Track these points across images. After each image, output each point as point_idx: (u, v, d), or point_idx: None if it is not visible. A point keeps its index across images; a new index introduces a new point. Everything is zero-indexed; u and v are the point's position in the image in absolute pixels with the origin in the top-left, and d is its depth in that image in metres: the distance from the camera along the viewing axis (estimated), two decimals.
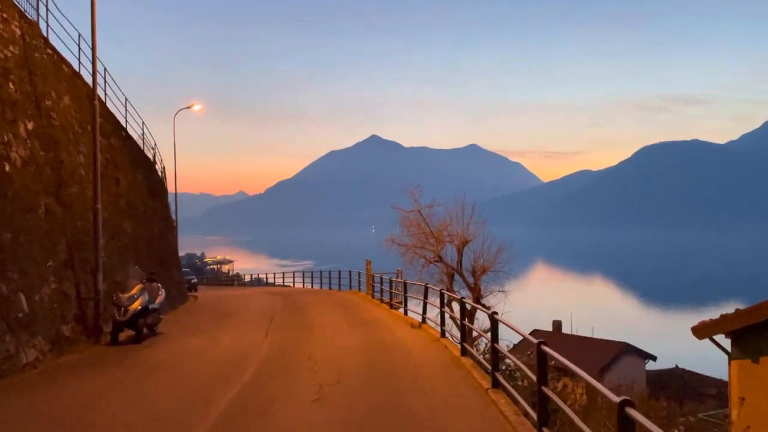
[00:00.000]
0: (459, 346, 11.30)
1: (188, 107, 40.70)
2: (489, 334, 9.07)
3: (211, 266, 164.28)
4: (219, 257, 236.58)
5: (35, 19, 15.51)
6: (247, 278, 76.94)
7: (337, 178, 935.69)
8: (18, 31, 13.99)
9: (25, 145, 13.14)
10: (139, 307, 14.10)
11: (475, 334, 24.60)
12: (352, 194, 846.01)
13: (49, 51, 15.90)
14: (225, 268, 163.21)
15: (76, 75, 17.76)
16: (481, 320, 25.99)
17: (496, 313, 8.38)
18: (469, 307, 11.58)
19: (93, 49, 15.14)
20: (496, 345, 8.11)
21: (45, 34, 15.92)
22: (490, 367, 8.50)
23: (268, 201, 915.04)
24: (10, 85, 12.89)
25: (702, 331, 15.76)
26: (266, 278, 61.95)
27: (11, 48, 13.38)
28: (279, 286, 56.60)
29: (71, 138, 16.15)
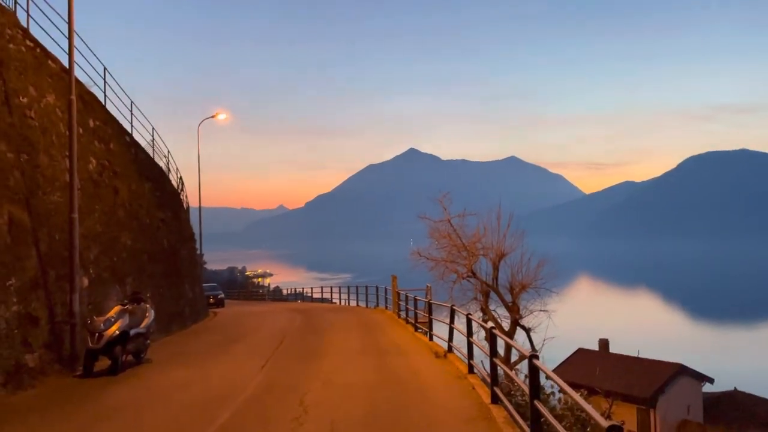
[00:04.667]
0: (489, 389, 8.90)
1: (212, 117, 39.27)
2: (527, 381, 6.72)
3: (252, 280, 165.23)
4: (260, 271, 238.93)
5: (11, 7, 13.83)
6: (285, 292, 75.75)
7: (375, 191, 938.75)
8: None
9: None
10: (117, 332, 12.08)
11: (514, 362, 22.15)
12: (390, 207, 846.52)
13: (30, 43, 14.16)
14: (267, 282, 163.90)
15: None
16: (522, 340, 23.42)
17: (536, 356, 6.01)
18: (501, 337, 9.16)
19: (70, 31, 13.34)
20: (536, 403, 5.75)
21: (25, 25, 14.24)
22: (528, 429, 6.14)
23: (307, 215, 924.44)
24: None
25: None
26: (303, 292, 60.48)
27: None
28: (316, 300, 54.81)
29: (54, 141, 14.33)
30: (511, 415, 7.65)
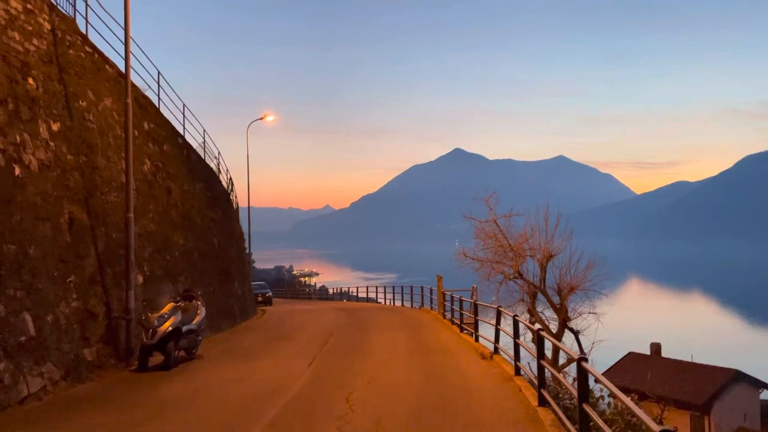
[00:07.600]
0: (536, 391, 8.81)
1: (261, 118, 39.88)
2: (575, 384, 6.63)
3: (299, 278, 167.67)
4: (306, 270, 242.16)
5: (71, 14, 14.39)
6: (331, 291, 76.62)
7: (420, 191, 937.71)
8: (47, 25, 12.81)
9: (47, 148, 11.83)
10: (170, 329, 12.45)
11: (562, 365, 21.81)
12: (435, 207, 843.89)
13: (88, 49, 14.72)
14: (313, 281, 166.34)
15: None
16: (570, 342, 23.05)
17: (585, 358, 5.93)
18: (549, 339, 9.06)
19: (126, 37, 13.79)
20: (585, 406, 5.68)
21: (84, 31, 14.80)
22: None
23: (353, 215, 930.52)
24: (30, 81, 11.63)
25: None
26: (349, 291, 61.12)
27: (35, 41, 12.15)
28: (361, 300, 55.25)
29: (111, 143, 14.86)
30: (559, 418, 7.56)
